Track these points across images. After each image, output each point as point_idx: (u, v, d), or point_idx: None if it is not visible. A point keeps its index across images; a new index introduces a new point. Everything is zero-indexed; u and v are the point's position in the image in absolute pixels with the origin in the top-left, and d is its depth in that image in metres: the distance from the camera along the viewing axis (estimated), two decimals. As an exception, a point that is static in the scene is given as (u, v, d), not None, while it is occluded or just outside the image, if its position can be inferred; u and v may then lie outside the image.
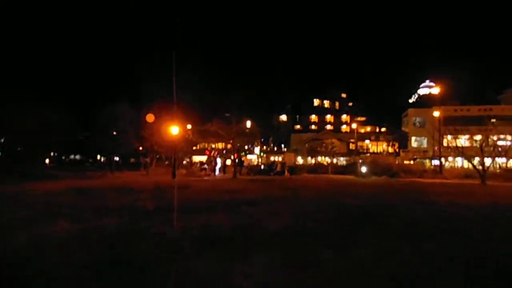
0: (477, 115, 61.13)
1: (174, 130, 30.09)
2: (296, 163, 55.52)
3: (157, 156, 50.48)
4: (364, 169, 33.35)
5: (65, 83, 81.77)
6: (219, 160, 40.90)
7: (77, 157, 73.35)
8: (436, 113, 49.98)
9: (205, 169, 39.21)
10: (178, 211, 9.65)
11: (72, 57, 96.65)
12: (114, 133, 38.62)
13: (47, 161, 56.89)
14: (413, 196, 14.21)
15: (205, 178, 31.46)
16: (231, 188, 18.03)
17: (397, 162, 45.53)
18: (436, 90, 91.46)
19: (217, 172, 38.29)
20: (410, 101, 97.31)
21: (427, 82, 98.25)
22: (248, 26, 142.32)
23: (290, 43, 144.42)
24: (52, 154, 61.55)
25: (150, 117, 34.49)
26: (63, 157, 68.92)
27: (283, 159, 55.17)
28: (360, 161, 40.62)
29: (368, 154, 60.59)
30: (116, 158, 49.90)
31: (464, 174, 36.82)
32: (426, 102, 69.72)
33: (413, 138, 66.40)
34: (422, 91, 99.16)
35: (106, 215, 8.85)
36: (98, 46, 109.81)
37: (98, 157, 62.93)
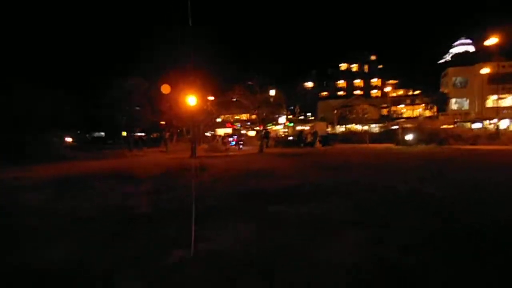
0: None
1: (191, 100, 27.14)
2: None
3: (178, 131, 48.05)
4: (409, 136, 29.24)
5: (69, 58, 79.64)
6: (243, 133, 37.97)
7: (102, 134, 71.98)
8: (486, 70, 44.68)
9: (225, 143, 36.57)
10: (178, 219, 6.44)
11: (79, 30, 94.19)
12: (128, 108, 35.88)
13: (69, 139, 55.60)
14: None
15: (230, 153, 28.51)
16: (257, 169, 14.78)
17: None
18: (472, 47, 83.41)
19: (241, 146, 35.89)
20: (442, 61, 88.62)
21: (462, 40, 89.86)
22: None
23: (313, 4, 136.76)
24: (78, 132, 60.17)
25: (166, 88, 31.65)
26: (87, 135, 67.81)
27: (311, 128, 51.32)
28: (398, 127, 36.59)
29: (403, 120, 55.91)
30: (141, 134, 47.63)
31: (522, 138, 32.59)
32: (463, 60, 62.59)
33: (452, 100, 60.93)
34: (456, 49, 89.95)
35: (59, 234, 5.65)
36: (108, 15, 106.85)
37: (124, 134, 61.33)
